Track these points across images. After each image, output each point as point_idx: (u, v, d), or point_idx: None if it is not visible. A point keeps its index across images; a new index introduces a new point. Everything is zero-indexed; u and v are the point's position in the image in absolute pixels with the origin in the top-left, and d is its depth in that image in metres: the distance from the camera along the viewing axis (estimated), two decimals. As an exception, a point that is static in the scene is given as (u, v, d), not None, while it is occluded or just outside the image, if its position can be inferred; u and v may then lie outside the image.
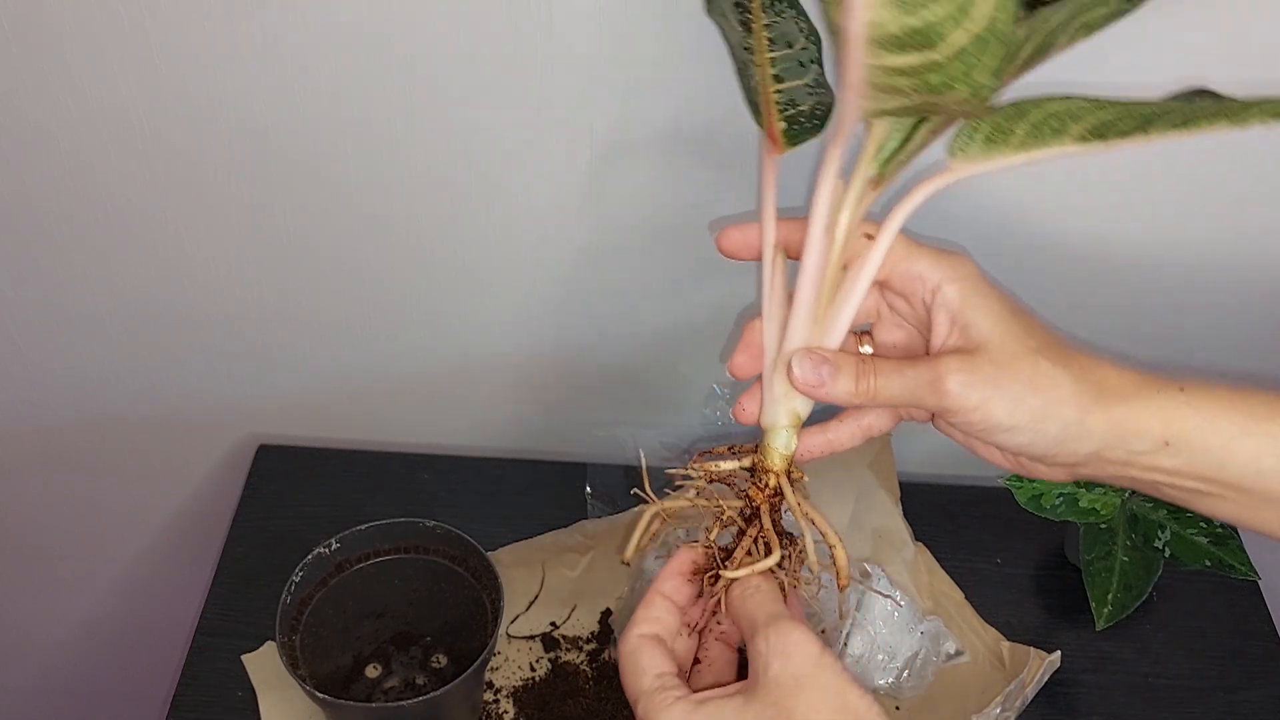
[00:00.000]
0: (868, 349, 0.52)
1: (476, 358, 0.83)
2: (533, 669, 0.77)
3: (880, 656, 0.73)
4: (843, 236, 0.47)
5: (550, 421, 0.89)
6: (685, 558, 0.49)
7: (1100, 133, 0.44)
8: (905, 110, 0.43)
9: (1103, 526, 0.78)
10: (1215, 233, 0.69)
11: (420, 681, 0.76)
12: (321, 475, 0.87)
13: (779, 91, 0.47)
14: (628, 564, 0.53)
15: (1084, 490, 0.77)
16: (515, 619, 0.79)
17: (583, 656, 0.78)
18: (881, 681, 0.74)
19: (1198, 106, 0.42)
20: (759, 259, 0.50)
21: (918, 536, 0.83)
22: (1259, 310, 0.75)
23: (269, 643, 0.76)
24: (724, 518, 0.50)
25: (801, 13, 0.45)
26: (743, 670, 0.49)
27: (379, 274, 0.76)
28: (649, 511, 0.51)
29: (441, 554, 0.71)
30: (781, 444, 0.49)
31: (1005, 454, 0.49)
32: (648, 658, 0.46)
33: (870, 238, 0.48)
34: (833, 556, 0.49)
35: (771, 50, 0.45)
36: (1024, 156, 0.45)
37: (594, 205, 0.70)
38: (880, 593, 0.74)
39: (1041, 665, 0.72)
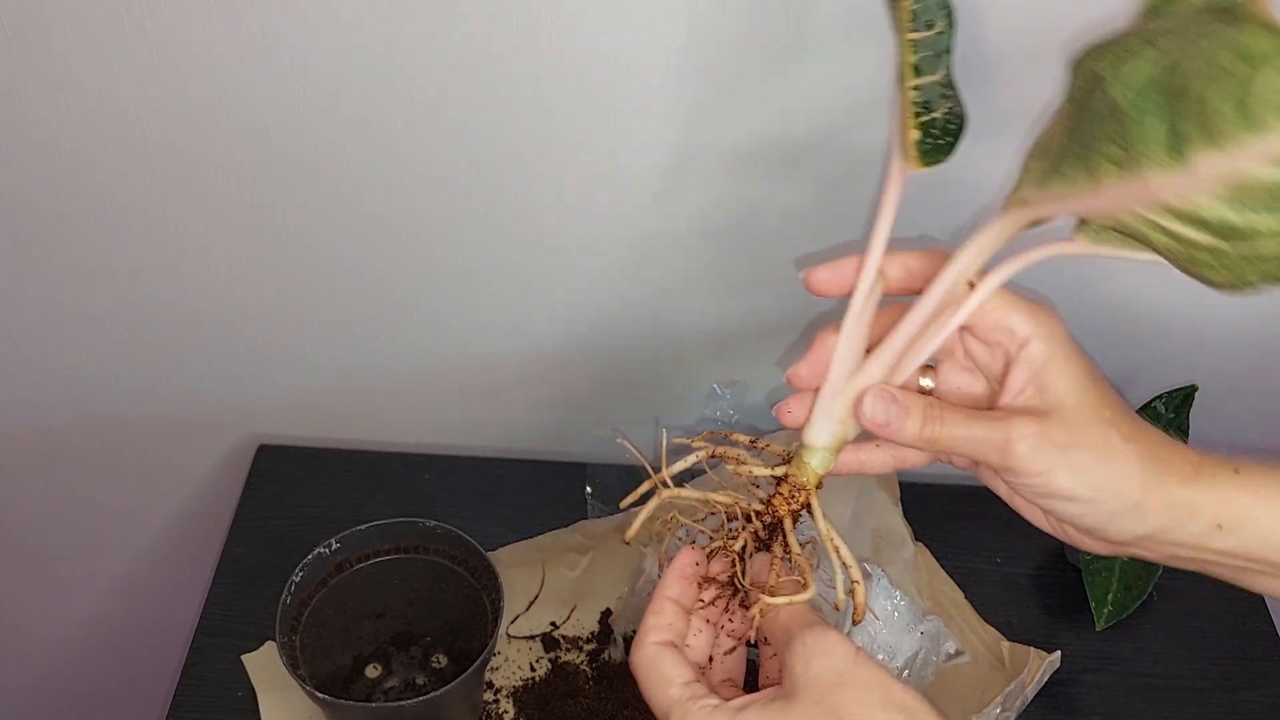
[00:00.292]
0: (929, 382, 0.50)
1: (476, 358, 0.83)
2: (533, 669, 0.77)
3: (880, 656, 0.73)
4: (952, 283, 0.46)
5: (550, 421, 0.89)
6: (689, 559, 0.49)
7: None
8: (1126, 245, 0.42)
9: (1103, 526, 0.78)
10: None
11: (420, 681, 0.76)
12: (321, 475, 0.87)
13: (916, 89, 0.45)
14: (629, 544, 0.52)
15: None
16: (515, 619, 0.79)
17: (583, 656, 0.78)
18: (881, 681, 0.74)
19: None
20: (848, 295, 0.48)
21: (918, 536, 0.83)
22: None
23: (269, 643, 0.76)
24: (735, 516, 0.49)
25: None
26: (750, 669, 0.49)
27: (379, 274, 0.76)
28: (660, 494, 0.50)
29: (441, 554, 0.71)
30: (819, 463, 0.48)
31: (1049, 518, 0.48)
32: (669, 666, 0.45)
33: (972, 286, 0.46)
34: (852, 591, 0.48)
35: (913, 29, 0.43)
36: (1155, 258, 0.42)
37: (593, 206, 0.70)
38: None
39: (1041, 665, 0.72)
